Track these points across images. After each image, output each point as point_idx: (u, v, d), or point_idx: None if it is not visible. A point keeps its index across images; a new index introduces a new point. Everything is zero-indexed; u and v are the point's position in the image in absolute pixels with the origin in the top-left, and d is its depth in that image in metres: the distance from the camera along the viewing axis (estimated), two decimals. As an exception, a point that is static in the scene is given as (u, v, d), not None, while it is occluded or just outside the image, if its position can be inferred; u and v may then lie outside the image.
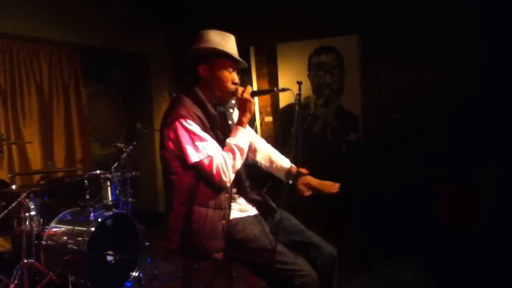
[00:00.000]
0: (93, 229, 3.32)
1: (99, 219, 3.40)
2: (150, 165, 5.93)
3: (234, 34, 2.17)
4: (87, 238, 3.27)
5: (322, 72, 4.93)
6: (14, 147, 4.60)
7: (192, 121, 1.98)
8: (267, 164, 2.35)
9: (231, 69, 2.12)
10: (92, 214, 3.48)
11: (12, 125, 4.66)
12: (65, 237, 3.38)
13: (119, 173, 3.91)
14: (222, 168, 1.97)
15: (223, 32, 2.13)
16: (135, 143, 4.17)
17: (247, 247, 2.03)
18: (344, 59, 4.81)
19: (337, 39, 4.82)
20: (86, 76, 5.48)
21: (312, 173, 2.28)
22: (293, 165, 2.30)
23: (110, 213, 3.54)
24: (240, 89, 2.09)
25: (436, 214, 4.14)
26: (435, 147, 4.29)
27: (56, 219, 3.56)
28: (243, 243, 2.03)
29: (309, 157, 4.59)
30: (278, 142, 5.28)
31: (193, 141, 1.97)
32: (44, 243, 3.44)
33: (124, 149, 4.08)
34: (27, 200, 3.33)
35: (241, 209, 2.17)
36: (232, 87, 2.12)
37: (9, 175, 4.42)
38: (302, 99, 4.72)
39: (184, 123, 1.97)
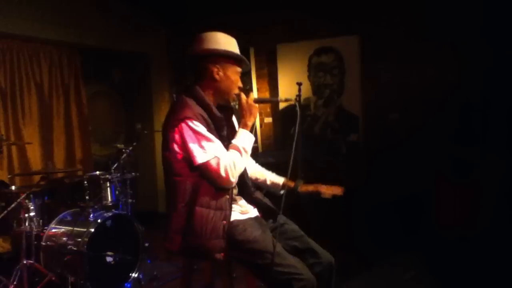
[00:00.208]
0: (92, 230, 3.31)
1: (99, 220, 3.40)
2: (150, 166, 5.93)
3: (234, 34, 2.19)
4: (86, 239, 3.26)
5: (322, 72, 4.93)
6: (13, 148, 4.59)
7: (198, 122, 1.99)
8: (261, 178, 2.39)
9: (239, 73, 2.17)
10: (91, 215, 3.47)
11: (12, 125, 4.65)
12: (64, 238, 3.38)
13: (119, 174, 3.90)
14: (230, 168, 1.98)
15: (228, 35, 2.17)
16: (135, 143, 4.17)
17: (247, 248, 2.03)
18: (344, 60, 4.80)
19: (337, 40, 4.82)
20: (86, 76, 5.47)
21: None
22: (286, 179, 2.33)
23: (110, 214, 3.54)
24: (244, 97, 2.14)
25: (436, 212, 4.15)
26: (435, 146, 4.30)
27: (55, 219, 3.55)
28: (243, 245, 2.03)
29: (309, 157, 4.58)
30: (277, 143, 5.28)
31: (199, 142, 1.97)
32: (44, 243, 3.43)
33: (124, 150, 4.07)
34: (26, 200, 3.32)
35: (242, 211, 2.17)
36: (237, 91, 2.16)
37: (8, 176, 4.41)
38: (302, 100, 4.72)
39: (190, 124, 1.98)
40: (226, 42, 2.13)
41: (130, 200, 4.06)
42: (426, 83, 4.38)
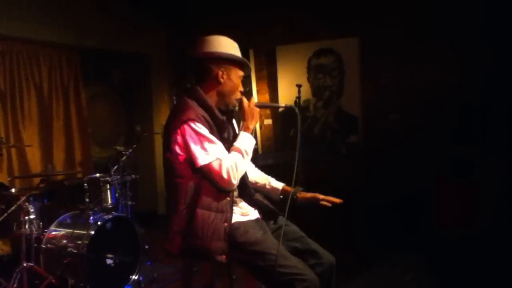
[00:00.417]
0: (92, 232, 3.31)
1: (99, 222, 3.39)
2: (150, 168, 5.92)
3: (233, 35, 2.20)
4: (86, 241, 3.26)
5: (322, 74, 4.93)
6: (13, 150, 4.59)
7: (201, 124, 1.99)
8: (260, 182, 2.39)
9: (241, 77, 2.19)
10: (91, 217, 3.47)
11: (12, 127, 4.65)
12: (64, 240, 3.38)
13: (118, 176, 3.90)
14: (232, 170, 1.98)
15: (231, 39, 2.18)
16: (134, 146, 4.16)
17: (249, 250, 2.03)
18: (344, 61, 4.80)
19: (336, 41, 4.82)
20: (86, 77, 5.46)
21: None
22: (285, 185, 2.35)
23: (110, 216, 3.53)
24: (246, 101, 2.15)
25: (436, 212, 4.15)
26: (435, 146, 4.29)
27: (55, 222, 3.55)
28: (245, 246, 2.03)
29: (309, 158, 4.58)
30: (277, 144, 5.28)
31: (201, 144, 1.98)
32: (44, 246, 3.43)
33: (123, 152, 4.07)
34: (26, 203, 3.32)
35: (243, 213, 2.17)
36: (239, 95, 2.17)
37: (8, 178, 4.41)
38: (301, 101, 4.72)
39: (193, 125, 1.98)
40: (230, 46, 2.14)
41: (130, 202, 4.06)
42: (426, 83, 4.38)
